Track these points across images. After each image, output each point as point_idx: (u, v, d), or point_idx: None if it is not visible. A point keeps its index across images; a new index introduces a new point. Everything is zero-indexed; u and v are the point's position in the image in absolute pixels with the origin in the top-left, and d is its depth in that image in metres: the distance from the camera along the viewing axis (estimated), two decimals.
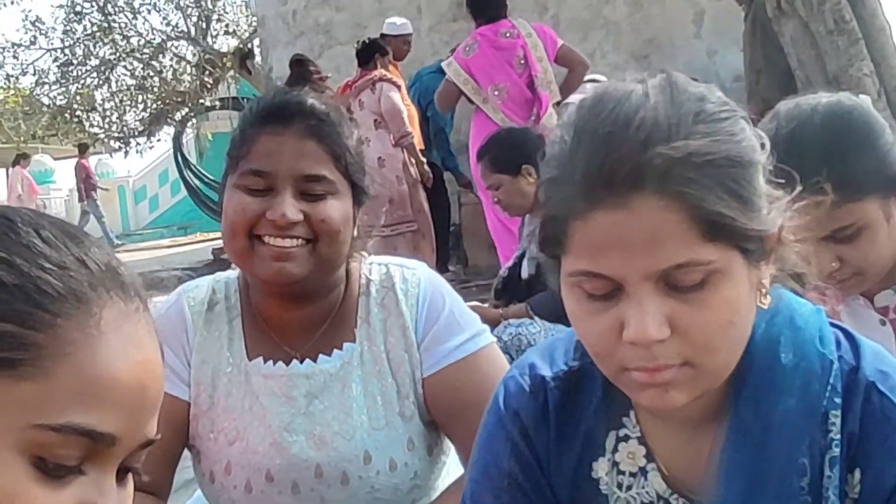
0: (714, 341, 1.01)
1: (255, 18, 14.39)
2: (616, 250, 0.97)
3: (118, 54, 19.79)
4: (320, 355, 1.66)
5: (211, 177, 15.72)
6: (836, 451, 1.06)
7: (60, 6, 19.73)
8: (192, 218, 19.90)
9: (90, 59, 20.01)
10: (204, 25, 19.67)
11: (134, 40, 19.92)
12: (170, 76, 20.13)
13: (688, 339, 0.99)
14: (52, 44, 19.95)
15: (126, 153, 20.21)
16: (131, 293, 0.83)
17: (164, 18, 19.90)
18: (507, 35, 5.98)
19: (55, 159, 24.11)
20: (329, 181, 1.59)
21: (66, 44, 19.89)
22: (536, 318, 3.62)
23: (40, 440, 0.75)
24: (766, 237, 1.03)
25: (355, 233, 1.66)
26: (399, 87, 6.54)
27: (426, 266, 1.75)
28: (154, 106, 20.06)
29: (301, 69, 6.20)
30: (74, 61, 19.94)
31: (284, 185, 1.57)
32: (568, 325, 1.10)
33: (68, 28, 19.81)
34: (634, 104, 0.99)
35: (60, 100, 20.18)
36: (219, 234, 2.02)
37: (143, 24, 19.91)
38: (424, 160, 6.71)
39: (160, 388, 0.84)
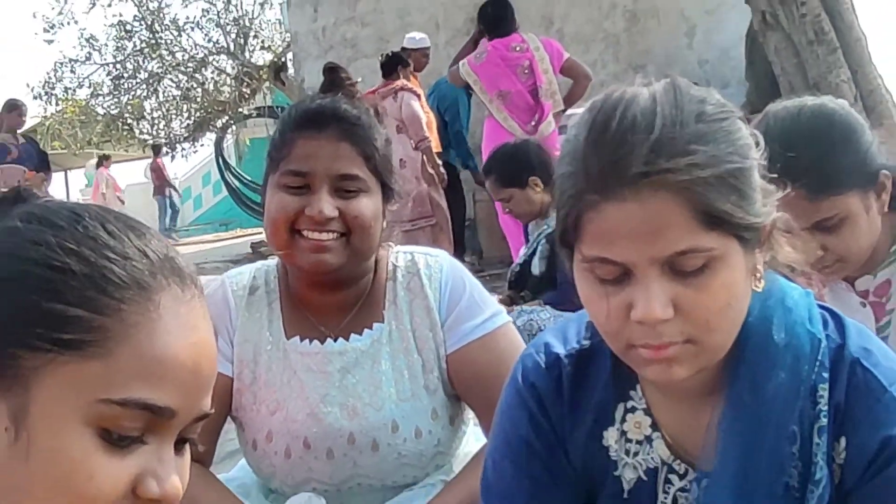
0: (713, 321, 1.00)
1: (288, 34, 14.36)
2: (625, 239, 0.97)
3: (165, 68, 19.86)
4: (352, 334, 1.66)
5: (249, 178, 15.70)
6: (824, 420, 1.06)
7: (112, 25, 19.80)
8: (233, 215, 19.89)
9: (139, 73, 20.07)
10: (242, 41, 19.70)
11: (179, 55, 19.98)
12: (211, 87, 20.16)
13: (690, 319, 0.99)
14: (105, 59, 20.01)
15: (172, 157, 20.29)
16: (187, 281, 0.83)
17: (205, 35, 19.92)
18: (517, 49, 5.95)
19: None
20: (361, 179, 1.59)
21: (118, 59, 19.96)
22: (547, 307, 3.63)
23: (106, 413, 0.76)
24: (761, 227, 1.03)
25: (384, 225, 1.66)
26: (419, 96, 6.52)
27: (447, 254, 1.75)
28: (197, 114, 20.10)
29: (334, 76, 6.12)
30: (125, 75, 20.01)
31: (321, 183, 1.57)
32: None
33: (119, 45, 19.87)
34: (642, 106, 0.99)
35: (113, 109, 20.25)
36: (256, 230, 2.03)
37: (187, 40, 19.95)
38: (441, 162, 6.69)
39: (213, 366, 0.84)
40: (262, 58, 19.54)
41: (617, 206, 0.96)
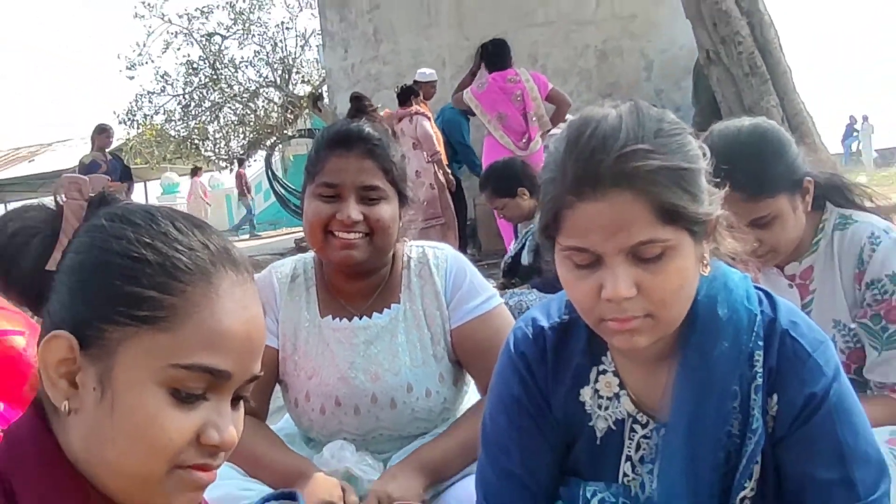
0: (669, 299, 1.00)
1: (324, 71, 14.40)
2: (597, 232, 0.97)
3: (224, 98, 19.99)
4: (374, 313, 1.65)
5: (293, 186, 15.68)
6: (760, 380, 1.06)
7: (182, 64, 19.99)
8: (279, 217, 19.93)
9: (204, 102, 20.22)
10: (286, 76, 19.82)
11: (235, 88, 20.12)
12: (262, 114, 20.29)
13: (649, 298, 0.98)
14: (176, 91, 20.17)
15: (231, 171, 20.34)
16: (241, 268, 0.83)
17: (257, 72, 20.09)
18: (512, 80, 6.03)
19: (179, 176, 24.21)
20: (381, 189, 1.59)
21: (187, 91, 20.10)
22: (534, 290, 3.63)
23: (175, 376, 0.76)
24: (708, 222, 1.02)
25: (400, 225, 1.65)
26: (430, 118, 6.53)
27: (452, 247, 1.75)
28: (251, 136, 20.22)
29: (359, 104, 6.11)
30: (192, 104, 20.15)
31: (349, 193, 1.57)
32: None
33: (188, 80, 20.03)
34: (610, 123, 0.98)
35: (183, 132, 20.38)
36: (299, 229, 2.02)
37: (242, 76, 20.11)
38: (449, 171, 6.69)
39: (262, 338, 0.84)
40: (302, 90, 19.66)
41: (590, 204, 0.96)
